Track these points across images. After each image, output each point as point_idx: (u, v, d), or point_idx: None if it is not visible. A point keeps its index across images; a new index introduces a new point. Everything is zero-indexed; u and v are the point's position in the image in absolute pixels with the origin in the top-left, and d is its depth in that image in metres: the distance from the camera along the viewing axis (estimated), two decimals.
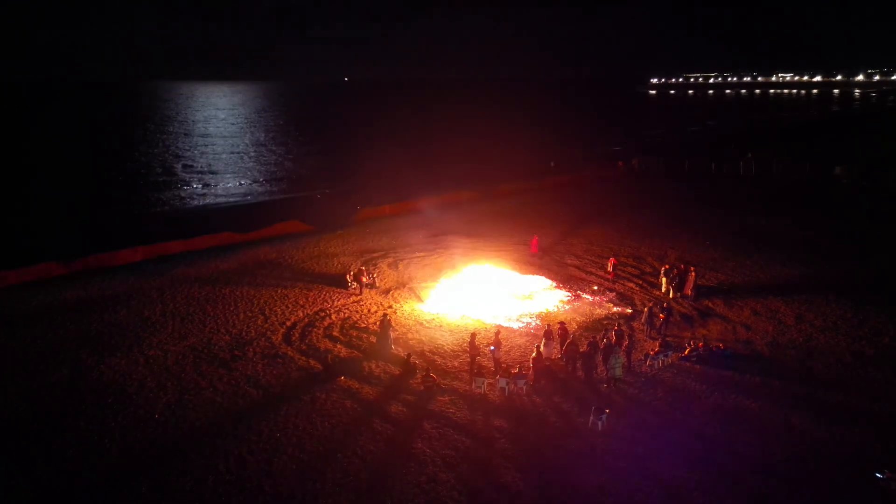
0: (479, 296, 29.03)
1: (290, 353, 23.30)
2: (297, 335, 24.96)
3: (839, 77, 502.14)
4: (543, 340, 22.74)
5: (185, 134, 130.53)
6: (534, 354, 21.34)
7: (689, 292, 28.82)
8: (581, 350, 22.02)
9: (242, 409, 19.35)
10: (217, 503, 15.28)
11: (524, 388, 20.36)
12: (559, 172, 65.75)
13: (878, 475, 15.90)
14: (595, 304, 28.32)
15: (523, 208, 49.42)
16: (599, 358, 21.38)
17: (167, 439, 17.79)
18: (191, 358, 22.86)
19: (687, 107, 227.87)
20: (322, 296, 29.33)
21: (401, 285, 30.86)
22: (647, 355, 22.50)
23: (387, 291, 30.02)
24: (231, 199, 61.99)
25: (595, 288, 30.18)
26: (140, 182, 70.82)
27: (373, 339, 24.52)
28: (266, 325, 25.89)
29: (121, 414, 19.09)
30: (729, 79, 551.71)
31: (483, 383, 20.51)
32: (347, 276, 30.66)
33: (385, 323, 23.85)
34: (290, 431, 18.06)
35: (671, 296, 28.84)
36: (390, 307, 27.97)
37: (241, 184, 71.22)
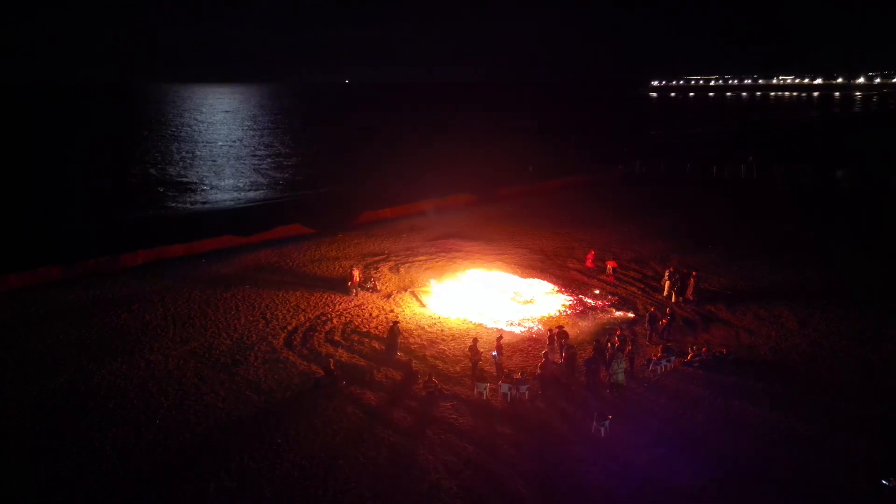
0: (480, 300, 28.97)
1: (291, 357, 23.22)
2: (298, 340, 24.88)
3: (840, 80, 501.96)
4: (547, 347, 22.70)
5: (185, 137, 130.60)
6: (541, 362, 21.25)
7: (692, 296, 28.75)
8: (584, 355, 21.94)
9: (244, 415, 19.29)
10: None
11: (527, 393, 20.28)
12: (558, 176, 65.41)
13: (884, 482, 15.82)
14: (597, 309, 28.24)
15: (524, 211, 49.31)
16: (602, 363, 21.29)
17: (168, 445, 17.71)
18: (192, 363, 22.79)
19: (688, 109, 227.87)
20: (323, 300, 29.26)
21: (402, 289, 30.78)
22: (649, 361, 22.40)
23: (388, 295, 29.94)
24: (231, 203, 61.96)
25: (597, 292, 30.09)
26: (140, 185, 70.85)
27: (374, 343, 24.49)
28: (267, 330, 25.82)
29: (122, 419, 19.01)
30: (730, 81, 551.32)
31: (485, 388, 20.44)
32: (349, 283, 30.56)
33: (394, 330, 23.58)
34: (292, 437, 17.98)
35: (673, 300, 28.75)
36: (392, 311, 27.90)
37: (241, 187, 71.20)
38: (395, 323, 24.54)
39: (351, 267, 32.06)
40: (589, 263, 33.95)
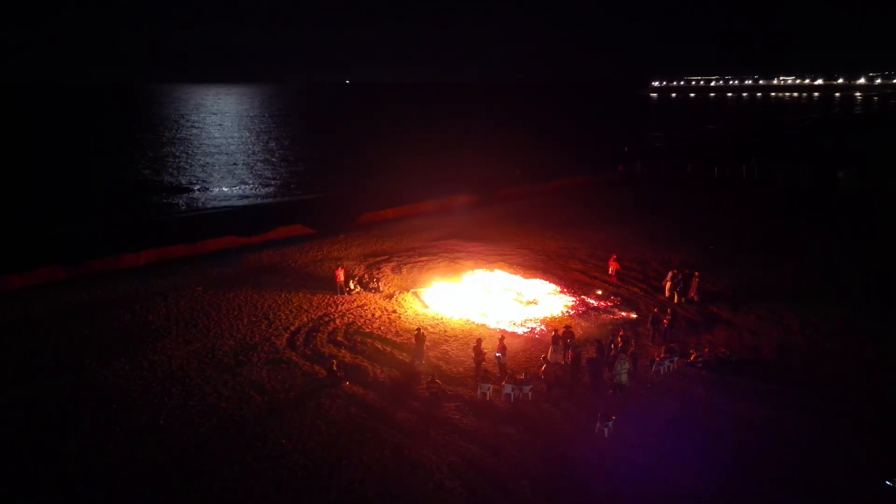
0: (483, 300, 28.98)
1: (294, 358, 23.23)
2: (301, 340, 24.89)
3: (840, 80, 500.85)
4: (550, 347, 22.71)
5: (186, 138, 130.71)
6: (543, 367, 21.25)
7: (695, 297, 28.75)
8: (587, 356, 21.97)
9: (247, 415, 19.28)
10: None
11: (530, 394, 20.28)
12: (559, 177, 65.33)
13: (887, 482, 15.81)
14: (600, 309, 28.23)
15: (525, 212, 49.32)
16: (604, 364, 21.31)
17: (172, 446, 17.71)
18: (195, 363, 22.80)
19: (689, 110, 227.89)
20: (326, 300, 29.27)
21: (404, 289, 30.79)
22: (652, 361, 22.41)
23: (390, 296, 29.95)
24: (234, 204, 62.03)
25: (599, 293, 30.09)
26: (143, 186, 70.94)
27: (377, 344, 24.52)
28: (270, 330, 25.83)
29: (125, 420, 19.02)
30: (731, 82, 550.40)
31: (488, 389, 20.45)
32: (351, 283, 30.62)
33: (420, 337, 23.00)
34: (296, 438, 17.98)
35: (676, 301, 28.75)
36: (394, 312, 27.92)
37: (243, 188, 71.27)
38: (419, 329, 23.76)
39: (336, 266, 32.04)
40: (612, 273, 32.00)
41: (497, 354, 22.09)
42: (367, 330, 26.01)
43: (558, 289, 30.81)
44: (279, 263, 35.72)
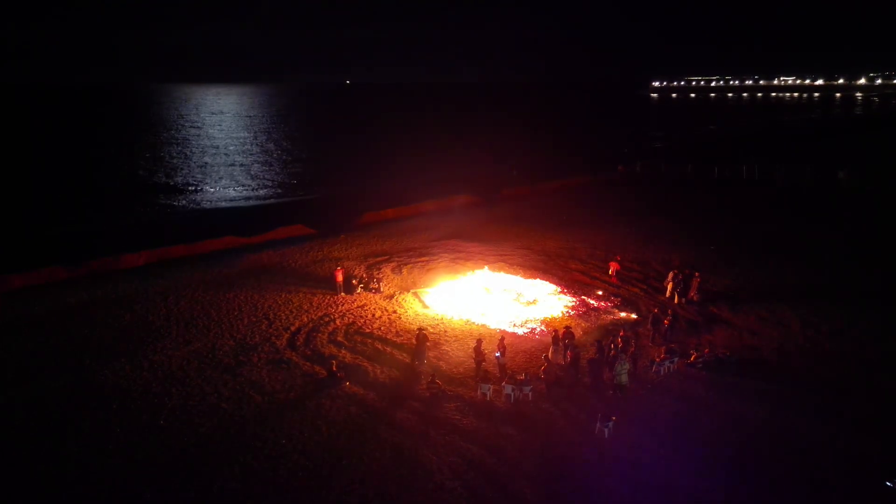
0: (483, 300, 28.97)
1: (294, 358, 23.24)
2: (301, 340, 24.89)
3: (841, 80, 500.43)
4: (551, 347, 22.71)
5: (187, 138, 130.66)
6: (544, 366, 21.25)
7: (695, 297, 28.75)
8: (587, 356, 21.97)
9: (247, 416, 19.29)
10: None
11: (530, 394, 20.28)
12: (559, 177, 65.34)
13: (888, 483, 15.81)
14: (600, 310, 28.23)
15: (525, 212, 49.32)
16: (605, 364, 21.30)
17: (172, 446, 17.72)
18: (195, 363, 22.81)
19: (689, 110, 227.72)
20: (326, 301, 29.27)
21: (404, 290, 30.79)
22: (653, 362, 22.41)
23: (391, 296, 29.95)
24: (233, 204, 62.01)
25: (600, 293, 30.09)
26: (143, 186, 70.93)
27: (377, 344, 24.51)
28: (270, 331, 25.83)
29: (125, 420, 19.03)
30: (731, 82, 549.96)
31: (489, 389, 20.45)
32: (354, 282, 30.64)
33: (421, 338, 22.91)
34: (296, 438, 17.99)
35: (676, 301, 28.74)
36: (395, 312, 27.92)
37: (243, 188, 71.23)
38: (421, 330, 23.64)
39: (336, 266, 32.03)
40: (613, 273, 31.74)
41: (497, 354, 22.09)
42: (368, 330, 26.02)
43: (558, 289, 30.80)
44: (279, 263, 35.72)
